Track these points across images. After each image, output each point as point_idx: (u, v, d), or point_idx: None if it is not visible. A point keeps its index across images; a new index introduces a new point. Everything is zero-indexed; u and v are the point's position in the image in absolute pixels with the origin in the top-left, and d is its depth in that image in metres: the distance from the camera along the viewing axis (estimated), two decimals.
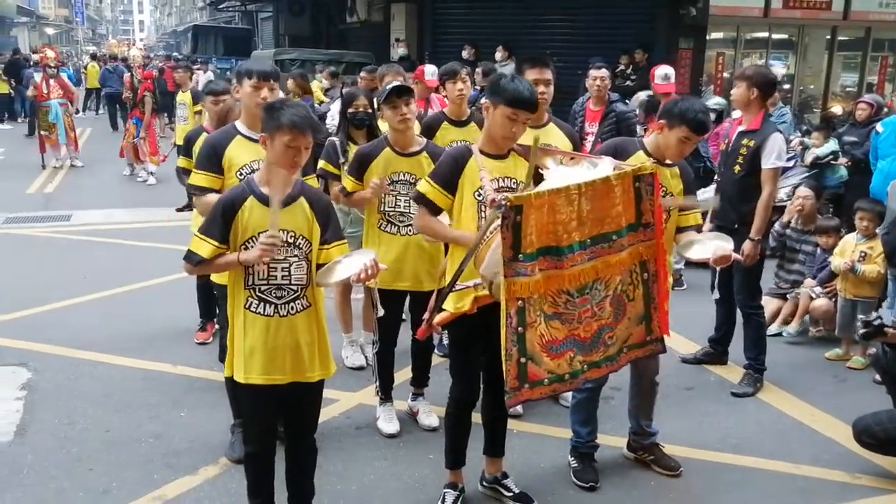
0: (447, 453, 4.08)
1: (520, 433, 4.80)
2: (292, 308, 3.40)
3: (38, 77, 15.30)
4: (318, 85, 9.28)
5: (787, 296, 6.83)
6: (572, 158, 3.67)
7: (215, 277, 4.33)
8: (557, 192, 3.16)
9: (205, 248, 3.34)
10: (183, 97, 11.25)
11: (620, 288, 3.36)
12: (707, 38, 17.59)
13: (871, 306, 6.10)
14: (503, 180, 3.68)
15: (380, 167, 4.59)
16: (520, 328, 3.13)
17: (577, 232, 3.19)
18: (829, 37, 19.29)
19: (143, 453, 4.57)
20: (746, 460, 4.63)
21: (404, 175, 4.60)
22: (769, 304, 6.68)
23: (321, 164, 5.03)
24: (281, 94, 4.54)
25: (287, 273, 3.37)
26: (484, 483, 4.19)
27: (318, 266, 3.41)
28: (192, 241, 3.40)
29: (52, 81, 14.70)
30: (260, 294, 3.38)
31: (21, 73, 21.92)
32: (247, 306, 3.39)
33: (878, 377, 4.84)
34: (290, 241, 3.37)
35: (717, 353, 5.97)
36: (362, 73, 7.53)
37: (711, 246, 3.97)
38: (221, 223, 3.35)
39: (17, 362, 5.79)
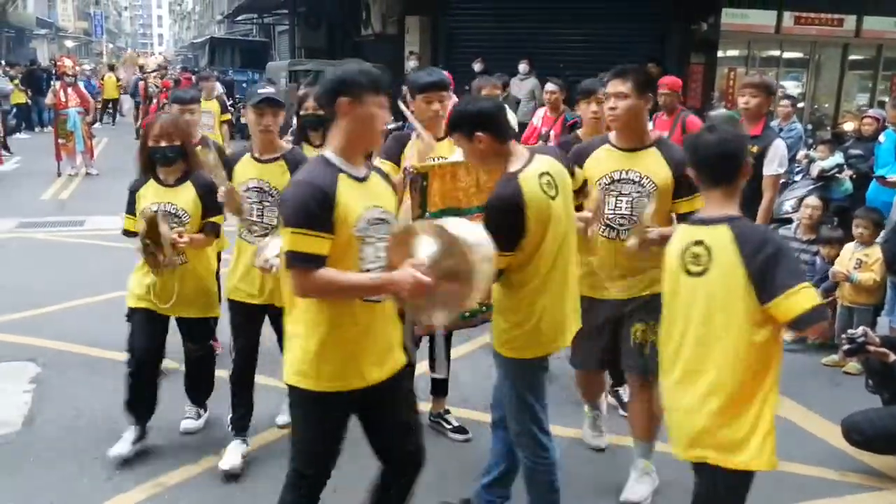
0: None
1: None
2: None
3: (56, 85, 15.53)
4: None
5: None
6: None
7: None
8: (458, 164, 3.84)
9: (322, 244, 2.73)
10: (208, 105, 11.31)
11: None
12: (719, 54, 17.69)
13: (868, 314, 6.16)
14: (436, 159, 4.16)
15: None
16: None
17: (475, 197, 3.82)
18: (841, 55, 19.36)
19: (147, 444, 4.67)
20: None
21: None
22: None
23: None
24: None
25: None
26: (431, 418, 4.90)
27: None
28: (289, 240, 2.73)
29: (69, 90, 14.95)
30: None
31: (39, 84, 22.19)
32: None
33: (871, 383, 4.89)
34: (384, 217, 2.97)
35: None
36: None
37: None
38: (322, 216, 2.74)
39: (27, 358, 5.92)
